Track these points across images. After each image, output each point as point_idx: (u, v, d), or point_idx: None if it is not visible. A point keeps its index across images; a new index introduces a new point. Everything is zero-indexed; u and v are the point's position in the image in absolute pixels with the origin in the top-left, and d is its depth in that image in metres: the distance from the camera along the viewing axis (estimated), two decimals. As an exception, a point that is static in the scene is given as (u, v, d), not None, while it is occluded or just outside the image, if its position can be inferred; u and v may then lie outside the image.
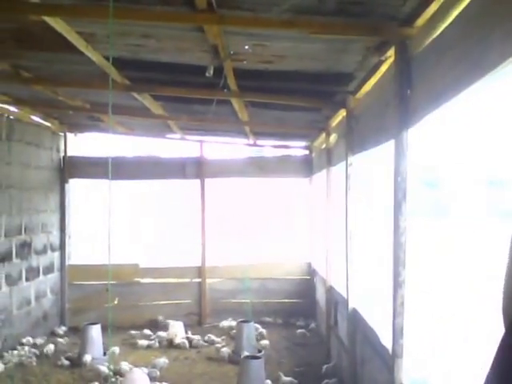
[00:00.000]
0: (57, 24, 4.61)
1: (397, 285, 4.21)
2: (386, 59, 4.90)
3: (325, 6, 3.99)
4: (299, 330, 10.32)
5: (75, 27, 4.91)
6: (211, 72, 5.61)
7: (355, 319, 6.48)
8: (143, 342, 9.65)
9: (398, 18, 4.05)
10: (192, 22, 4.42)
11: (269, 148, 11.93)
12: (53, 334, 10.31)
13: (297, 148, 11.89)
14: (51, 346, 9.14)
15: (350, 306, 6.61)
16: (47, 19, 4.46)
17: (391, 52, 4.58)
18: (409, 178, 4.14)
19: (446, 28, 3.53)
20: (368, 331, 5.80)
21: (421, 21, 3.94)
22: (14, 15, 4.56)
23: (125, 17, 4.25)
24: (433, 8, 3.70)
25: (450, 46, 3.46)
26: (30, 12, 4.39)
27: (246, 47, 5.21)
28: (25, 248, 9.54)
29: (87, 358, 8.50)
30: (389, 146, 4.73)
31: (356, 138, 6.36)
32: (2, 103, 8.69)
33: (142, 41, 5.27)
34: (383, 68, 5.16)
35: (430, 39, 3.78)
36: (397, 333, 4.22)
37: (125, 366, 8.19)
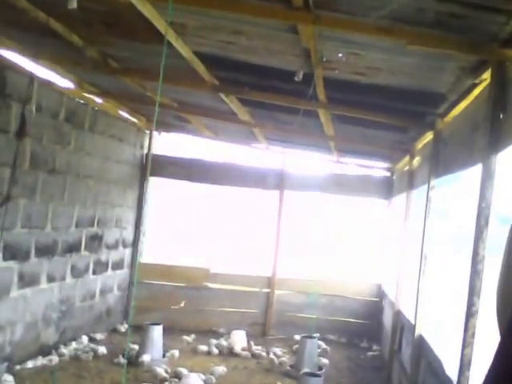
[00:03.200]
0: (145, 9, 4.65)
1: (469, 314, 4.07)
2: (480, 82, 4.77)
3: (424, 16, 3.91)
4: (369, 353, 10.21)
5: (165, 15, 4.97)
6: (300, 76, 5.59)
7: (420, 346, 6.32)
8: (204, 348, 9.68)
9: (499, 38, 3.93)
10: (286, 19, 4.40)
11: (350, 166, 11.84)
12: (114, 331, 10.42)
13: (378, 169, 11.75)
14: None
15: (417, 332, 6.45)
16: (135, 2, 4.49)
17: (486, 75, 4.46)
18: (494, 204, 4.00)
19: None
20: (433, 360, 5.63)
21: (523, 44, 3.82)
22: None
23: (216, 6, 4.29)
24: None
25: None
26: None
27: (340, 55, 5.17)
28: (95, 241, 9.64)
29: (146, 358, 8.51)
30: (474, 171, 4.62)
31: (441, 160, 6.22)
32: (89, 93, 8.92)
33: (232, 37, 5.29)
34: (476, 91, 5.03)
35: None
36: (464, 364, 4.07)
37: (182, 370, 8.20)
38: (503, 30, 3.80)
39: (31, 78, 7.30)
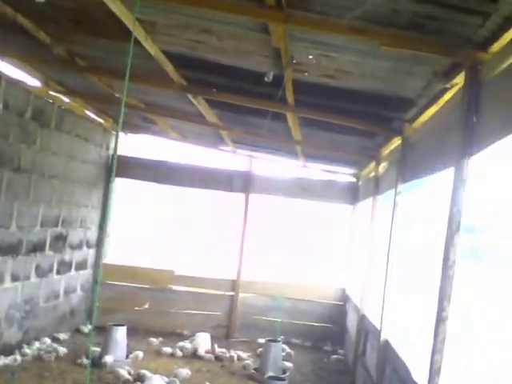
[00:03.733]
0: (115, 6, 4.46)
1: (439, 320, 3.93)
2: (452, 86, 4.66)
3: (398, 17, 3.77)
4: (335, 356, 10.10)
5: (134, 12, 4.77)
6: (270, 77, 5.42)
7: (386, 351, 6.21)
8: (168, 350, 9.46)
9: (473, 41, 3.81)
10: (258, 17, 4.23)
11: (315, 171, 11.75)
12: (77, 331, 10.17)
13: (344, 174, 11.68)
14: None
15: (383, 337, 6.34)
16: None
17: (459, 79, 4.35)
18: (465, 208, 3.88)
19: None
20: (399, 365, 5.52)
21: (496, 46, 3.70)
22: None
23: (188, 2, 4.11)
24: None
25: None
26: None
27: (310, 57, 5.02)
28: (60, 241, 9.42)
29: (108, 359, 8.29)
30: (445, 176, 4.52)
31: (409, 166, 6.13)
32: (56, 92, 8.66)
33: (202, 37, 5.11)
34: (446, 96, 4.92)
35: (504, 66, 3.55)
36: (434, 371, 3.94)
37: (146, 372, 7.98)
38: (478, 33, 3.69)
39: (-1, 76, 7.09)
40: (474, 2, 3.35)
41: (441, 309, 3.94)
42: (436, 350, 3.93)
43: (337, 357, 10.13)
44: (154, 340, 10.02)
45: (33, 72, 7.82)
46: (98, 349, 8.75)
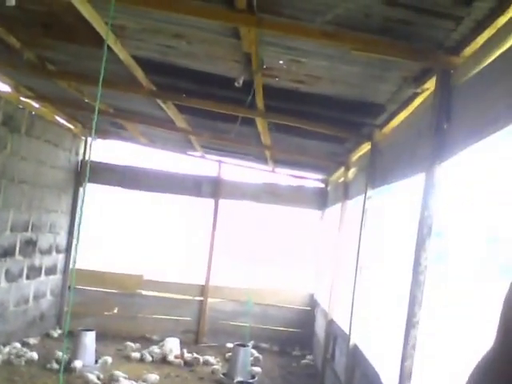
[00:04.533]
0: (84, 9, 4.28)
1: (410, 325, 3.82)
2: (423, 91, 4.58)
3: (371, 21, 3.67)
4: (304, 361, 9.95)
5: (104, 17, 4.61)
6: (241, 82, 5.29)
7: (355, 356, 6.10)
8: (136, 355, 9.23)
9: (445, 46, 3.73)
10: (229, 21, 4.09)
11: (284, 176, 11.64)
12: (47, 336, 9.91)
13: (312, 180, 11.60)
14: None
15: (352, 341, 6.23)
16: (74, 2, 4.13)
17: (430, 83, 4.27)
18: (436, 213, 3.78)
19: (495, 60, 3.22)
20: (368, 370, 5.41)
21: (468, 50, 3.61)
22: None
23: (157, 6, 3.95)
24: (484, 37, 3.38)
25: (496, 80, 3.15)
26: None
27: (281, 62, 4.90)
28: (29, 246, 9.19)
29: (77, 364, 8.08)
30: (414, 181, 4.43)
31: (378, 171, 6.04)
32: (25, 97, 8.44)
33: (173, 41, 4.96)
34: (416, 102, 4.85)
35: (476, 71, 3.47)
36: (404, 376, 3.82)
37: (118, 374, 7.81)
38: (450, 37, 3.61)
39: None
40: (447, 5, 3.26)
41: (411, 314, 3.83)
42: (406, 356, 3.82)
43: (306, 361, 9.99)
44: (122, 345, 9.77)
45: (2, 77, 7.57)
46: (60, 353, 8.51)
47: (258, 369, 9.02)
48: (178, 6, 3.70)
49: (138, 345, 9.77)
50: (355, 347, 6.17)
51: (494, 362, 1.23)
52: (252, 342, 9.63)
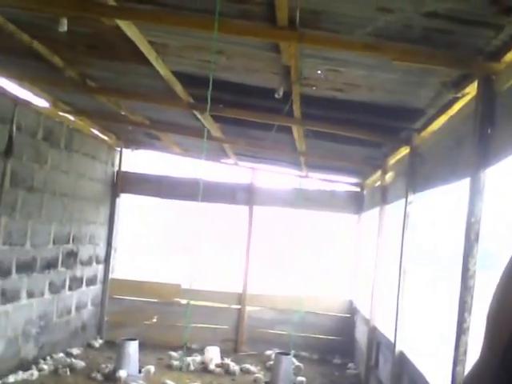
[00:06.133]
0: (130, 30, 4.48)
1: (460, 331, 3.90)
2: (463, 96, 4.66)
3: (410, 32, 3.78)
4: (348, 371, 9.90)
5: (148, 36, 4.80)
6: (281, 93, 5.42)
7: (402, 363, 6.13)
8: (178, 364, 9.39)
9: (485, 52, 3.82)
10: (271, 38, 4.24)
11: (319, 181, 11.70)
12: (89, 346, 10.18)
13: (347, 184, 11.63)
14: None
15: (397, 348, 6.25)
16: (121, 24, 4.34)
17: (470, 88, 4.34)
18: (483, 219, 3.85)
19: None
20: (417, 377, 5.45)
21: (510, 56, 3.70)
22: (89, 15, 4.43)
23: (202, 27, 4.11)
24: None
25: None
26: (106, 14, 4.28)
27: (319, 72, 5.03)
28: (71, 257, 9.47)
29: (122, 373, 8.27)
30: (459, 187, 4.50)
31: (419, 176, 6.09)
32: (63, 112, 8.70)
33: (212, 57, 5.13)
34: (457, 106, 4.91)
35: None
36: (456, 382, 3.90)
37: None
38: (490, 44, 3.69)
39: (14, 99, 7.19)
40: (486, 15, 3.35)
41: (461, 320, 3.90)
42: (458, 362, 3.89)
43: (349, 370, 9.93)
44: (164, 354, 9.95)
45: (41, 93, 7.84)
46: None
47: (302, 378, 9.04)
48: (221, 26, 3.85)
49: (178, 353, 9.95)
50: (401, 354, 6.19)
51: (484, 369, 1.29)
52: (293, 351, 9.66)
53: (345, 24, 3.87)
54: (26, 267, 8.02)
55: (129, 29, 4.46)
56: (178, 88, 6.25)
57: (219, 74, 5.78)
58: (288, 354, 8.85)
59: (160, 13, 4.26)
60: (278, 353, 8.92)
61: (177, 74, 5.89)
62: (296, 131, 7.42)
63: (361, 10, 3.62)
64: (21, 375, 7.81)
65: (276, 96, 5.45)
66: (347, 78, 5.19)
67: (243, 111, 6.92)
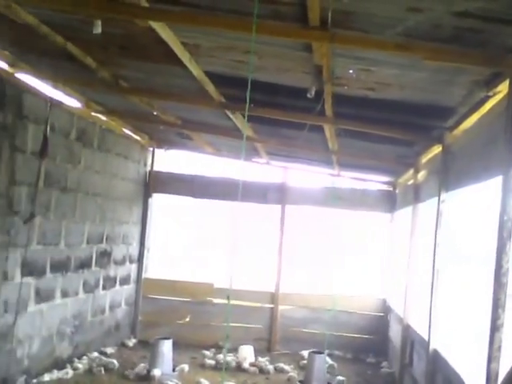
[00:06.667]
0: (163, 31, 4.63)
1: (494, 328, 3.96)
2: (494, 94, 4.70)
3: (440, 31, 3.85)
4: (382, 369, 9.94)
5: (181, 37, 4.94)
6: (313, 93, 5.52)
7: (436, 361, 6.19)
8: (211, 363, 9.56)
9: (516, 50, 3.88)
10: (303, 38, 4.36)
11: (350, 180, 11.74)
12: (123, 345, 10.40)
13: (379, 183, 11.66)
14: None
15: (431, 346, 6.31)
16: (154, 26, 4.48)
17: (502, 86, 4.39)
18: None
19: None
20: (451, 375, 5.51)
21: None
22: (122, 17, 4.59)
23: (236, 28, 4.24)
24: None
25: None
26: (139, 16, 4.43)
27: (351, 71, 5.12)
28: (105, 257, 9.68)
29: (156, 372, 8.45)
30: (492, 185, 4.54)
31: (451, 174, 6.14)
32: (96, 112, 8.91)
33: (244, 57, 5.25)
34: (488, 104, 4.96)
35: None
36: (491, 379, 3.96)
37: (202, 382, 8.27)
38: (521, 42, 3.74)
39: (47, 99, 7.36)
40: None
41: (495, 317, 3.96)
42: (492, 359, 3.95)
43: (384, 369, 9.94)
44: (198, 353, 10.12)
45: (74, 94, 8.04)
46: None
47: (341, 377, 9.08)
48: (252, 27, 3.96)
49: (211, 352, 10.10)
50: (435, 352, 6.24)
51: None
52: (328, 351, 9.70)
53: (375, 24, 3.96)
54: (60, 267, 8.22)
55: (162, 30, 4.60)
56: (210, 88, 6.38)
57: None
58: (321, 353, 8.93)
59: (193, 14, 4.39)
60: (312, 351, 9.01)
61: (208, 74, 6.03)
62: (328, 130, 7.50)
63: (391, 11, 3.71)
64: (56, 374, 8.01)
65: (308, 95, 5.55)
66: (379, 77, 5.27)
67: (275, 110, 7.03)
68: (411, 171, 8.77)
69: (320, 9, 3.77)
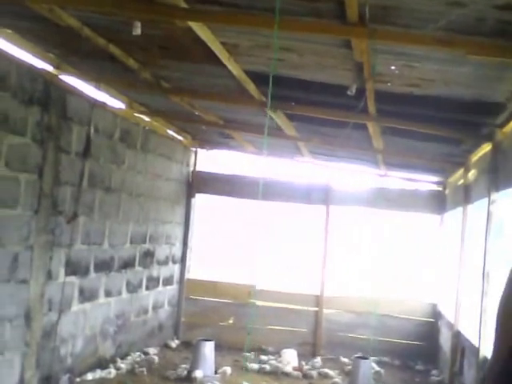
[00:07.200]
0: (202, 32, 4.70)
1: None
2: (545, 89, 4.62)
3: (484, 25, 3.82)
4: (432, 377, 9.74)
5: (220, 37, 5.01)
6: (353, 91, 5.51)
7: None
8: (254, 366, 9.59)
9: None
10: (342, 35, 4.38)
11: (397, 180, 11.61)
12: (165, 346, 10.52)
13: (427, 182, 11.50)
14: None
15: (482, 354, 6.19)
16: (193, 26, 4.56)
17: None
18: None
19: None
20: None
21: None
22: (161, 18, 4.69)
23: (271, 26, 4.27)
24: None
25: None
26: (178, 17, 4.51)
27: (393, 68, 5.10)
28: (147, 257, 9.83)
29: (198, 374, 8.52)
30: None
31: (502, 173, 6.02)
32: (139, 113, 9.07)
33: (283, 55, 5.28)
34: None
35: None
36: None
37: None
38: None
39: (91, 101, 7.53)
40: None
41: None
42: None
43: (434, 377, 9.75)
44: (240, 356, 10.14)
45: (118, 95, 8.21)
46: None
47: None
48: (292, 24, 3.99)
49: (254, 355, 10.14)
50: (485, 359, 6.10)
51: (499, 365, 1.38)
52: (376, 358, 9.58)
53: (416, 19, 3.95)
54: (103, 266, 8.40)
55: (201, 31, 4.68)
56: (251, 87, 6.45)
57: (290, 72, 5.94)
58: (367, 359, 8.85)
59: (231, 13, 4.46)
60: (357, 357, 8.94)
61: (248, 73, 6.08)
62: (372, 128, 7.46)
63: (432, 5, 3.69)
64: (99, 373, 8.17)
65: (348, 93, 5.54)
66: (422, 72, 5.24)
67: (316, 109, 7.06)
68: (461, 170, 8.63)
69: (358, 5, 3.77)
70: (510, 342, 1.35)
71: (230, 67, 5.62)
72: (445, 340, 9.60)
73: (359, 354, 9.12)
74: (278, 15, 3.77)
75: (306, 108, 7.12)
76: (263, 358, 10.11)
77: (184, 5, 4.40)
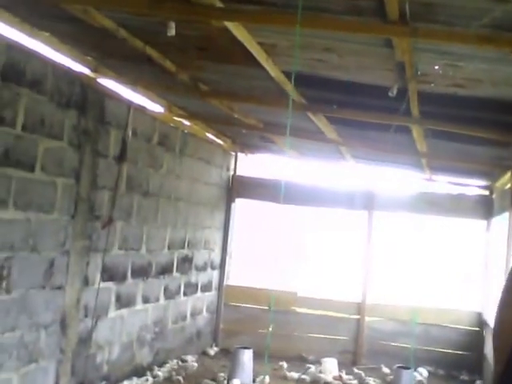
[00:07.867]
0: (238, 32, 4.67)
1: None
2: None
3: (530, 22, 3.70)
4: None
5: (257, 37, 4.96)
6: (394, 92, 5.41)
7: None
8: (293, 375, 9.52)
9: None
10: (382, 34, 4.30)
11: (442, 184, 11.43)
12: (204, 354, 10.49)
13: (474, 187, 11.29)
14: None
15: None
16: (229, 26, 4.53)
17: None
18: None
19: None
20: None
21: None
22: (197, 18, 4.67)
23: (312, 25, 4.23)
24: None
25: None
26: (214, 17, 4.49)
27: (436, 67, 5.00)
28: (186, 263, 9.82)
29: (235, 382, 8.49)
30: None
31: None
32: (178, 117, 9.10)
33: (323, 55, 5.23)
34: None
35: None
36: None
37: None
38: None
39: (128, 104, 7.59)
40: None
41: None
42: None
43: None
44: (278, 364, 10.08)
45: (156, 98, 8.24)
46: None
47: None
48: (331, 23, 3.94)
49: (290, 364, 10.04)
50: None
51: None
52: (419, 370, 9.39)
53: (459, 16, 3.86)
54: (141, 272, 8.40)
55: (237, 30, 4.64)
56: (290, 88, 6.38)
57: (330, 73, 5.89)
58: (409, 368, 8.72)
59: (268, 13, 4.42)
60: (399, 367, 8.81)
61: (287, 75, 6.03)
62: (415, 131, 7.34)
63: (475, 1, 3.60)
64: (135, 381, 8.13)
65: (390, 94, 5.45)
66: (467, 72, 5.11)
67: (358, 112, 6.96)
68: (508, 174, 8.44)
69: (398, 2, 3.70)
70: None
71: (267, 68, 5.57)
72: (490, 349, 9.38)
73: (402, 364, 8.99)
74: (300, 12, 3.72)
75: (346, 111, 7.04)
76: (304, 366, 10.01)
77: (220, 4, 4.39)
